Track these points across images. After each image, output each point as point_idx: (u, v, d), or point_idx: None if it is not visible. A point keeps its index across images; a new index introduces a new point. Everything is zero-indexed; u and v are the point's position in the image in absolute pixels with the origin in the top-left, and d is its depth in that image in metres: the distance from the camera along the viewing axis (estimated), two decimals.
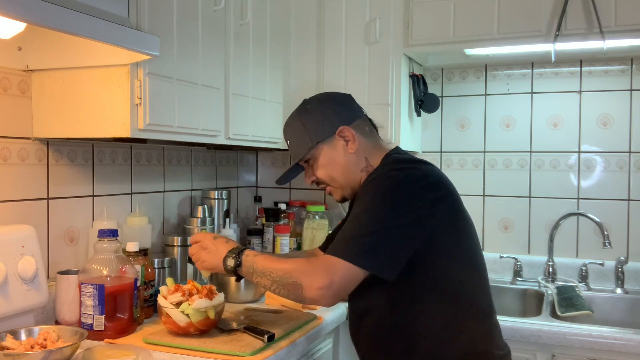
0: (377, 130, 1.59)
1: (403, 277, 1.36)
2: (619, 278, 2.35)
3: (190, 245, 1.52)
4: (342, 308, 1.83)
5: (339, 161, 1.49)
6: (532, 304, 2.38)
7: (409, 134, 2.46)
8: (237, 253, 1.41)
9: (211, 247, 1.46)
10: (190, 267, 2.06)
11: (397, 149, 1.55)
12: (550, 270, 2.44)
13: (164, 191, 2.20)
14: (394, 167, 1.42)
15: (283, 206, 2.56)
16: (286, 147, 2.33)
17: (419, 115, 2.52)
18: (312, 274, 1.30)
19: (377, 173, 1.43)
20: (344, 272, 1.28)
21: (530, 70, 2.55)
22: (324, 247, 1.71)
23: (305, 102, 1.57)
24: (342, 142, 1.49)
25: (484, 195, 2.62)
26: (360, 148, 1.50)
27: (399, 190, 1.34)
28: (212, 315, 1.48)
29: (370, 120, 1.58)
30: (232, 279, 1.84)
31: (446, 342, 1.37)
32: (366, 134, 1.52)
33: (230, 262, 1.41)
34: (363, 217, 1.34)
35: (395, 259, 1.31)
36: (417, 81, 2.47)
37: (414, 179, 1.36)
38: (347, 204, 1.64)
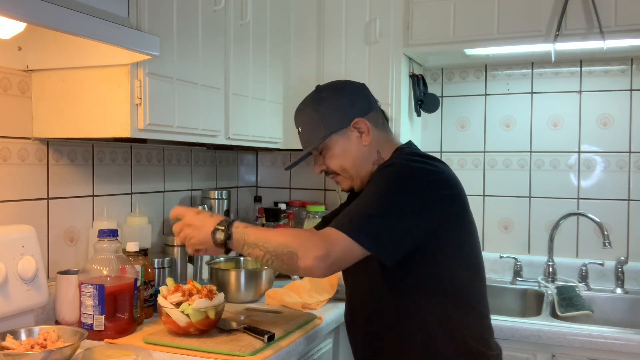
0: (388, 123, 1.57)
1: (404, 269, 1.37)
2: (619, 278, 2.35)
3: (172, 219, 1.45)
4: (342, 308, 1.83)
5: (352, 153, 1.47)
6: (532, 304, 2.38)
7: (409, 134, 2.46)
8: (226, 226, 1.35)
9: (196, 222, 1.39)
10: (190, 267, 2.06)
11: (410, 143, 1.55)
12: (550, 270, 2.44)
13: (164, 191, 2.20)
14: (410, 158, 1.42)
15: (283, 206, 2.56)
16: (285, 148, 2.36)
17: (419, 115, 2.52)
18: (310, 244, 1.28)
19: (393, 161, 1.43)
20: (343, 246, 1.27)
21: (530, 70, 2.55)
22: (319, 229, 1.71)
23: (320, 90, 1.52)
24: (356, 134, 1.47)
25: (484, 195, 2.62)
26: (374, 141, 1.48)
27: (412, 180, 1.35)
28: (212, 315, 1.47)
29: (383, 112, 1.56)
30: (232, 277, 1.87)
31: (441, 339, 1.38)
32: (380, 127, 1.51)
33: (220, 236, 1.34)
34: (373, 199, 1.35)
35: (396, 245, 1.31)
36: (417, 81, 2.47)
37: (429, 172, 1.37)
38: (344, 194, 1.64)
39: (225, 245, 1.36)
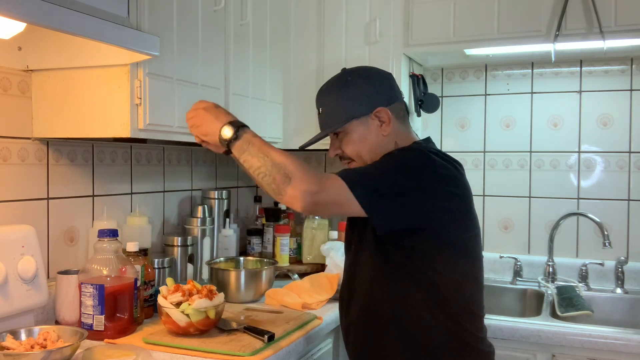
0: (408, 116, 1.57)
1: (404, 264, 1.38)
2: (619, 278, 2.35)
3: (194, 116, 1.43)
4: None
5: (370, 141, 1.47)
6: (532, 304, 2.38)
7: None
8: (238, 126, 1.35)
9: (210, 113, 1.39)
10: (190, 267, 2.06)
11: (429, 139, 1.55)
12: (550, 270, 2.44)
13: (164, 191, 2.20)
14: (430, 150, 1.42)
15: (283, 206, 2.55)
16: (285, 148, 2.35)
17: (419, 115, 2.51)
18: (307, 176, 1.27)
19: (414, 146, 1.45)
20: (337, 192, 1.28)
21: (530, 70, 2.55)
22: None
23: (346, 74, 1.52)
24: (377, 123, 1.47)
25: (484, 195, 2.62)
26: (393, 132, 1.48)
27: (426, 168, 1.36)
28: (212, 315, 1.47)
29: (405, 104, 1.55)
30: (232, 277, 1.87)
31: (436, 333, 1.38)
32: (400, 119, 1.51)
33: (228, 133, 1.34)
34: (384, 168, 1.36)
35: (391, 216, 1.31)
36: (417, 81, 2.47)
37: (443, 167, 1.38)
38: None
39: (228, 145, 1.35)
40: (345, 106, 1.47)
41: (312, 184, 1.26)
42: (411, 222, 1.34)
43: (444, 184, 1.36)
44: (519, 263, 2.49)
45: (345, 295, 1.57)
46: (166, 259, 1.86)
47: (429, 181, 1.34)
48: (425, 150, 1.41)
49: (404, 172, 1.34)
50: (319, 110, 1.53)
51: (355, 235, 1.51)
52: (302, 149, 1.61)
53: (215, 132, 1.36)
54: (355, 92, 1.47)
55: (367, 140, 1.47)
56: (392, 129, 1.47)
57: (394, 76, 2.26)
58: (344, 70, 1.54)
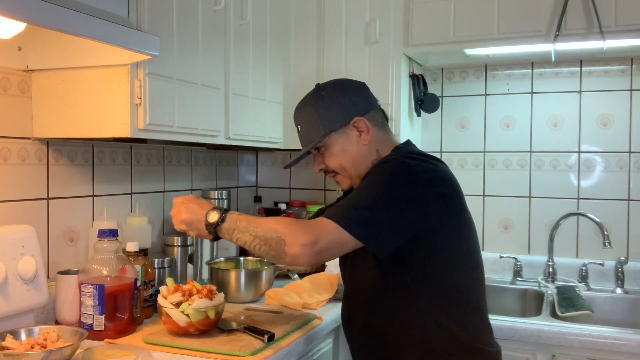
0: (388, 122, 1.58)
1: (401, 267, 1.38)
2: (619, 278, 2.35)
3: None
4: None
5: (351, 152, 1.48)
6: (532, 304, 2.38)
7: (409, 134, 2.46)
8: (223, 210, 1.37)
9: (194, 204, 1.41)
10: (190, 267, 2.06)
11: (408, 142, 1.55)
12: (550, 270, 2.44)
13: (164, 191, 2.20)
14: (407, 155, 1.42)
15: (283, 206, 2.56)
16: (285, 148, 2.36)
17: (419, 115, 2.52)
18: (298, 231, 1.28)
19: (390, 157, 1.44)
20: (332, 234, 1.28)
21: (530, 70, 2.55)
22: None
23: (320, 88, 1.53)
24: (356, 133, 1.48)
25: (484, 195, 2.62)
26: (373, 140, 1.49)
27: (408, 175, 1.35)
28: (212, 315, 1.47)
29: (382, 111, 1.56)
30: (232, 277, 1.87)
31: (439, 336, 1.38)
32: (379, 126, 1.51)
33: (214, 217, 1.35)
34: (367, 192, 1.35)
35: (388, 238, 1.31)
36: (417, 81, 2.47)
37: (425, 170, 1.37)
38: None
39: (215, 229, 1.36)
40: (322, 120, 1.47)
41: (306, 236, 1.26)
42: (408, 236, 1.33)
43: (431, 187, 1.36)
44: (519, 263, 2.49)
45: (345, 310, 1.57)
46: (166, 259, 1.86)
47: (416, 190, 1.34)
48: (404, 159, 1.40)
49: (390, 190, 1.33)
50: (298, 128, 1.54)
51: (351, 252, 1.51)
52: (286, 168, 1.62)
53: (201, 219, 1.37)
54: (331, 105, 1.48)
55: (348, 151, 1.48)
56: (371, 137, 1.48)
57: (394, 76, 2.30)
58: (317, 85, 1.55)
